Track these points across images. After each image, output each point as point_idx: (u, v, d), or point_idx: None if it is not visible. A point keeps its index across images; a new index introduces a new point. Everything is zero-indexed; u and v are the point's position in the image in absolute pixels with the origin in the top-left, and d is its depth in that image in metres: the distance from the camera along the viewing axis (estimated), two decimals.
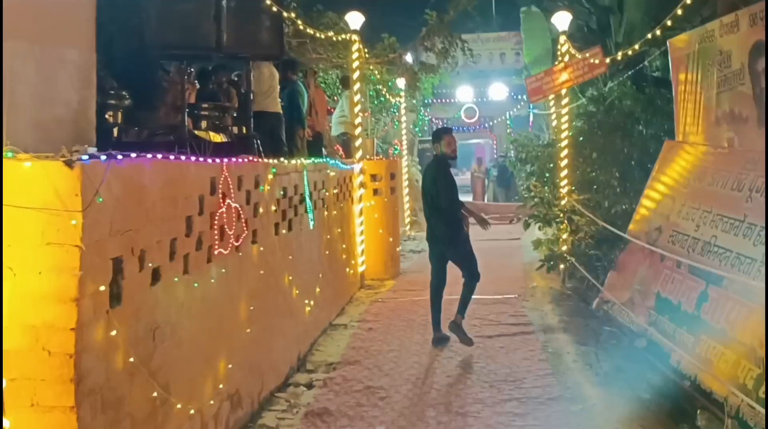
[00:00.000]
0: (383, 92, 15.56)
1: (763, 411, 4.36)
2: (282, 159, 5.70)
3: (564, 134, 8.66)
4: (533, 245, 8.92)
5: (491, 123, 23.89)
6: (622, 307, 7.10)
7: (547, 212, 8.41)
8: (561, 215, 8.13)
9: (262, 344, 4.70)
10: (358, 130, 9.24)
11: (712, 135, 6.89)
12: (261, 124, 7.62)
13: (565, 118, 8.72)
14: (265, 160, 5.13)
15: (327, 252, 7.00)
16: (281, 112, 7.93)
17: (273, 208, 5.07)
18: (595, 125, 10.16)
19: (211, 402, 3.76)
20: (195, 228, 3.59)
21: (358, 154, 9.18)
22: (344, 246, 8.04)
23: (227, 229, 3.99)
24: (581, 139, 9.57)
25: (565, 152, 8.63)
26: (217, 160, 4.01)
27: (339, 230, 7.77)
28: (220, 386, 3.86)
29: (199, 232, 3.64)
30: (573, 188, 8.63)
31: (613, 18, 14.11)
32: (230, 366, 4.01)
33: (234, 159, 4.35)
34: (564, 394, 4.64)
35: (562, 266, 8.31)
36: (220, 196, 3.94)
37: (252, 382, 4.44)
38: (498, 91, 22.60)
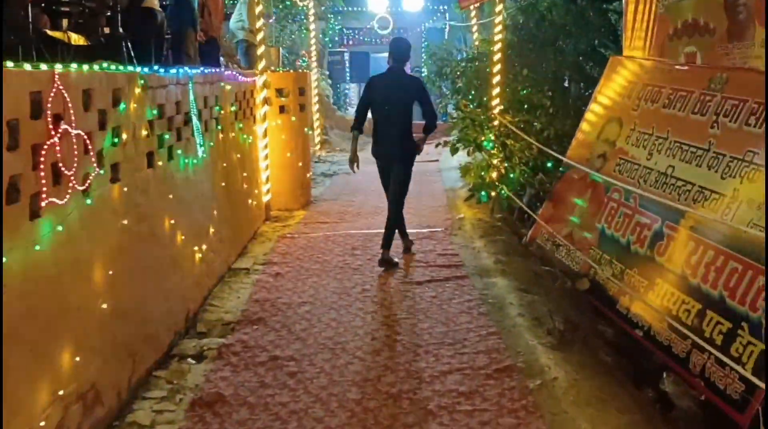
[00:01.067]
0: None
1: (736, 370, 3.76)
2: (158, 67, 4.37)
3: (497, 47, 7.63)
4: (461, 172, 8.00)
5: (405, 35, 22.47)
6: (559, 243, 6.40)
7: (477, 135, 7.48)
8: (494, 139, 7.22)
9: (131, 316, 3.57)
10: (259, 36, 7.83)
11: (667, 50, 6.07)
12: (144, 24, 6.19)
13: (499, 27, 7.67)
14: (133, 68, 3.82)
15: (223, 183, 5.80)
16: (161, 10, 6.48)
17: (144, 132, 3.82)
18: (525, 38, 9.21)
19: (47, 413, 2.64)
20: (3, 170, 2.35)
21: (261, 65, 7.82)
22: (245, 174, 6.84)
23: (64, 169, 2.76)
24: (510, 52, 8.60)
25: (498, 68, 7.63)
26: (45, 68, 2.72)
27: (238, 156, 6.54)
28: (61, 392, 2.74)
29: (10, 176, 2.41)
30: (507, 109, 7.71)
31: None
32: (77, 358, 2.87)
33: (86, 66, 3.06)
34: (516, 362, 3.82)
35: (493, 193, 7.48)
36: (50, 119, 2.68)
37: (115, 368, 3.33)
38: (413, 1, 21.12)
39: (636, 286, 5.01)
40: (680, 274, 4.67)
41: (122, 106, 3.45)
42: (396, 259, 5.91)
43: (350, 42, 22.36)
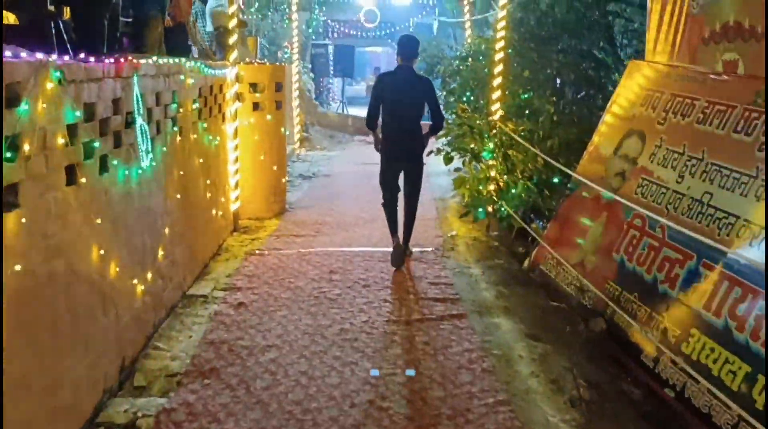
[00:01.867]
0: None
1: None
2: (88, 56, 3.45)
3: (499, 45, 6.78)
4: (455, 185, 7.16)
5: (392, 30, 21.58)
6: (568, 272, 5.60)
7: (476, 144, 6.64)
8: (496, 149, 6.39)
9: (36, 385, 2.68)
10: (233, 22, 6.91)
11: (701, 56, 5.27)
12: (92, 4, 5.28)
13: (502, 23, 6.82)
14: (49, 56, 2.90)
15: (179, 195, 4.89)
16: None
17: (61, 140, 2.91)
18: (526, 36, 8.39)
19: None
20: None
21: (233, 56, 6.90)
22: (209, 181, 5.93)
23: None
24: (509, 51, 7.78)
25: (499, 68, 6.78)
26: None
27: (201, 160, 5.63)
28: None
29: None
30: (510, 115, 6.88)
31: None
32: None
33: None
34: None
35: (490, 209, 6.65)
36: None
37: None
38: None
39: (665, 335, 4.23)
40: (722, 326, 3.88)
41: (23, 106, 2.54)
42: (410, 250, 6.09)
43: (335, 34, 21.42)
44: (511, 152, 6.31)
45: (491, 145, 6.44)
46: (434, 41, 14.28)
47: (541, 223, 6.69)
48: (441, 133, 6.81)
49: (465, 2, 13.20)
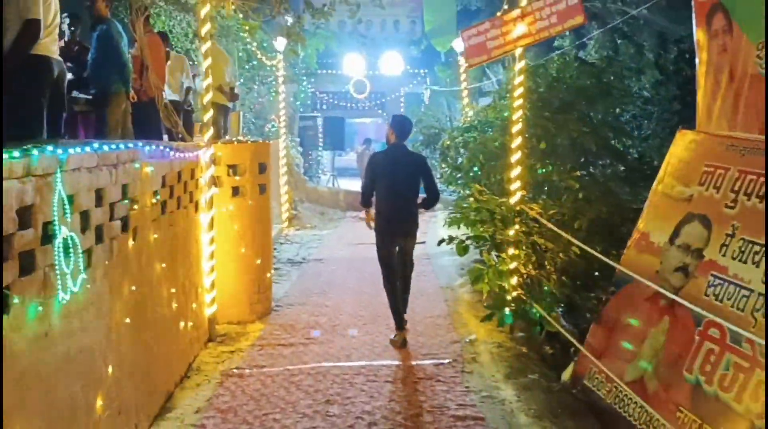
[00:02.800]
0: (256, 53, 12.20)
1: None
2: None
3: (517, 115, 5.87)
4: (470, 277, 6.04)
5: (382, 100, 21.03)
6: (623, 393, 4.49)
7: (496, 231, 5.63)
8: (523, 238, 5.38)
9: None
10: (207, 98, 5.98)
11: None
12: (31, 79, 4.42)
13: (519, 90, 5.93)
14: None
15: (130, 318, 3.78)
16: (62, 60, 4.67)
17: None
18: (538, 105, 7.53)
19: None
20: None
21: (208, 134, 5.94)
22: (175, 288, 4.84)
23: None
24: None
25: (518, 141, 5.84)
26: None
27: (164, 265, 4.56)
28: None
29: None
30: (529, 195, 5.91)
31: None
32: None
33: None
34: None
35: (514, 307, 5.58)
36: None
37: None
38: (391, 64, 19.72)
39: None
40: None
41: None
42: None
43: (324, 106, 20.78)
44: (539, 240, 5.30)
45: (512, 232, 5.42)
46: (430, 111, 13.51)
47: (571, 321, 5.62)
48: (453, 217, 5.87)
49: (461, 70, 12.51)
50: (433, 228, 13.51)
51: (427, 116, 12.43)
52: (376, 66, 19.88)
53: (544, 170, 6.91)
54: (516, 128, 5.89)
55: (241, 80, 13.70)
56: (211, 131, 5.94)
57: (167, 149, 4.78)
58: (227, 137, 7.83)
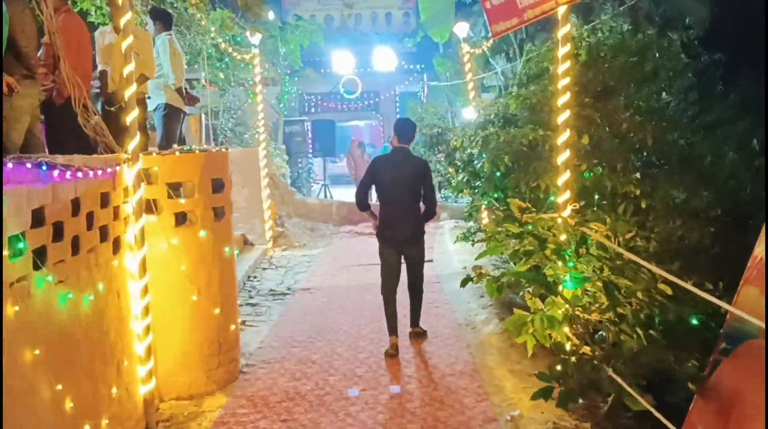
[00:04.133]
0: (227, 50, 10.51)
1: None
2: None
3: (564, 99, 4.18)
4: (509, 327, 4.23)
5: (376, 100, 19.33)
6: None
7: (549, 263, 3.93)
8: (592, 273, 3.69)
9: None
10: (128, 92, 4.27)
11: None
12: None
13: (566, 65, 4.24)
14: None
15: None
16: None
17: None
18: (575, 89, 5.86)
19: None
20: None
21: (133, 143, 4.24)
22: (68, 380, 3.15)
23: None
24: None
25: (565, 136, 4.16)
26: None
27: (40, 351, 2.87)
28: None
29: None
30: (581, 207, 4.23)
31: None
32: None
33: None
34: None
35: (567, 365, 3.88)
36: None
37: None
38: (384, 60, 18.03)
39: None
40: None
41: None
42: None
43: (312, 109, 19.08)
44: (612, 276, 3.61)
45: (573, 265, 3.72)
46: (432, 108, 11.76)
47: (662, 393, 3.93)
48: (488, 246, 4.19)
49: (465, 59, 10.84)
50: (441, 242, 11.84)
51: (428, 114, 10.74)
52: (367, 63, 18.21)
53: (591, 173, 5.23)
54: (563, 117, 4.21)
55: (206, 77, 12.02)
56: (137, 139, 4.23)
57: (45, 167, 3.08)
58: (179, 146, 6.13)
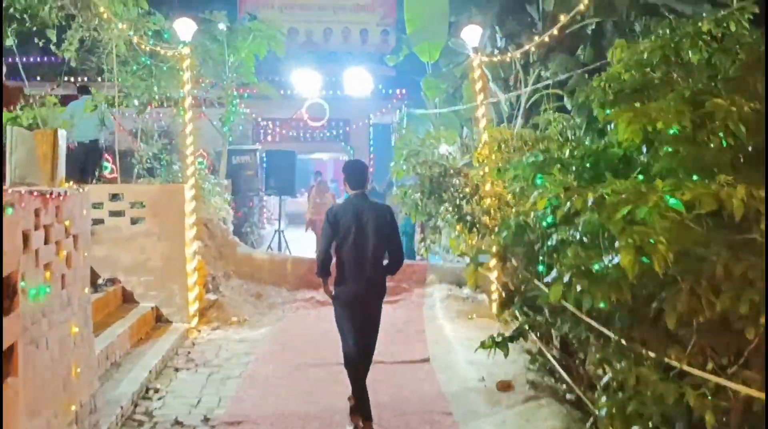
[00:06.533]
0: (141, 45, 7.36)
1: None
2: None
3: None
4: None
5: (346, 129, 16.29)
6: None
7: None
8: None
9: None
10: None
11: None
12: None
13: None
14: None
15: None
16: None
17: None
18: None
19: None
20: None
21: None
22: None
23: None
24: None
25: None
26: None
27: None
28: None
29: None
30: None
31: None
32: None
33: None
34: None
35: None
36: None
37: None
38: (358, 83, 15.11)
39: None
40: None
41: None
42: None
43: (268, 137, 15.90)
44: None
45: None
46: (427, 141, 8.62)
47: None
48: None
49: (476, 74, 7.90)
50: (432, 321, 8.72)
51: (424, 146, 7.69)
52: (337, 86, 15.22)
53: None
54: None
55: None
56: None
57: None
58: None
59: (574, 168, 3.84)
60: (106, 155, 16.40)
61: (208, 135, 12.83)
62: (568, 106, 11.34)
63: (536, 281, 4.71)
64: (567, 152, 4.42)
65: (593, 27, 12.51)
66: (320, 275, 5.06)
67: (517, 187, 4.35)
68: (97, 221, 7.84)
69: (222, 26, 10.30)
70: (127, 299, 7.85)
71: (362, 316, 4.98)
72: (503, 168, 4.50)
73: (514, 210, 4.64)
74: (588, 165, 3.83)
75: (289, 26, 15.90)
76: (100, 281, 7.69)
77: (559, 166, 4.06)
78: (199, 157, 15.32)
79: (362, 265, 4.94)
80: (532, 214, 4.09)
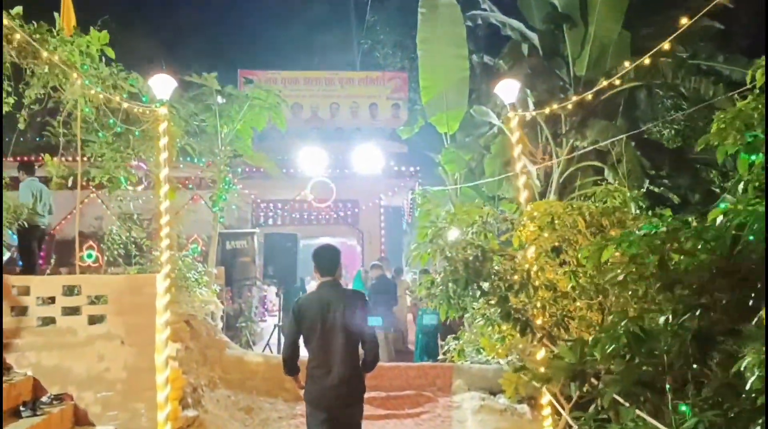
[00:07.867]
0: (113, 102, 6.07)
1: None
2: None
3: None
4: None
5: (355, 210, 14.90)
6: None
7: None
8: None
9: None
10: None
11: None
12: None
13: None
14: None
15: None
16: None
17: None
18: None
19: None
20: None
21: None
22: None
23: None
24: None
25: None
26: None
27: None
28: None
29: None
30: None
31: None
32: None
33: None
34: None
35: None
36: None
37: None
38: (367, 160, 13.88)
39: None
40: None
41: None
42: None
43: (269, 220, 14.51)
44: None
45: None
46: (462, 215, 7.11)
47: None
48: None
49: (515, 138, 6.52)
50: None
51: (456, 220, 6.21)
52: (345, 163, 13.98)
53: None
54: None
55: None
56: None
57: None
58: None
59: None
60: (90, 242, 14.94)
61: (204, 219, 11.46)
62: (610, 179, 9.96)
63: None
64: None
65: (626, 95, 11.34)
66: (288, 374, 4.64)
67: (621, 274, 2.83)
68: (47, 321, 6.32)
69: (214, 87, 9.06)
70: (80, 421, 6.19)
71: (337, 424, 4.44)
72: (601, 245, 2.99)
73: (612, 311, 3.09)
74: None
75: (293, 102, 14.83)
76: (44, 399, 6.08)
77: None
78: (194, 243, 13.79)
79: (331, 362, 4.47)
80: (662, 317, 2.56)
